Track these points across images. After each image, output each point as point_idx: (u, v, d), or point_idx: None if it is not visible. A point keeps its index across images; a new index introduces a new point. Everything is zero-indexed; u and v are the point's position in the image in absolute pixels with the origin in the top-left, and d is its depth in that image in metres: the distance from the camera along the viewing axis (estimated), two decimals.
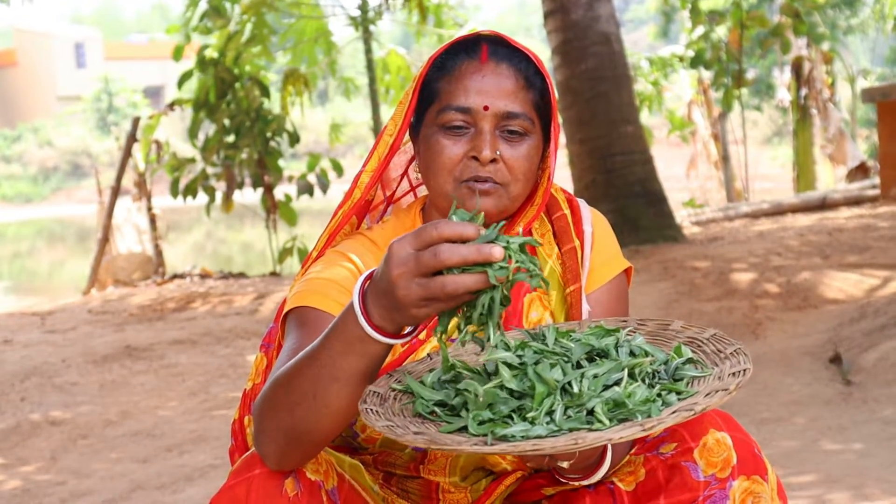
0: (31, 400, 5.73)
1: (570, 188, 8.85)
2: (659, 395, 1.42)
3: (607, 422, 1.37)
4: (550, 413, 1.40)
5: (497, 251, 1.37)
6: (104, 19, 69.39)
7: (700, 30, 14.78)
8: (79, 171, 40.40)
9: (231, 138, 10.93)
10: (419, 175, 1.90)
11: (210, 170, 10.98)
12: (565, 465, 1.56)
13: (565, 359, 1.47)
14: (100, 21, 66.35)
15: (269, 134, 10.92)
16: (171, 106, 11.27)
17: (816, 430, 4.38)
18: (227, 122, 10.82)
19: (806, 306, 6.60)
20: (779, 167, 30.71)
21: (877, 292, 6.71)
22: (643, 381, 1.45)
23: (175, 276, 11.06)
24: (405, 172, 1.99)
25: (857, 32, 25.11)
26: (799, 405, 4.75)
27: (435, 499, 1.82)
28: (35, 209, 37.64)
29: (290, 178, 11.08)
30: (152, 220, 11.70)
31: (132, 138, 11.39)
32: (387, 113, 14.35)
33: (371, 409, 1.47)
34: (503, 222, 1.46)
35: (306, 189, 10.88)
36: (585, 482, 1.68)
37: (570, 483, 1.70)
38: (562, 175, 12.90)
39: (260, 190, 11.08)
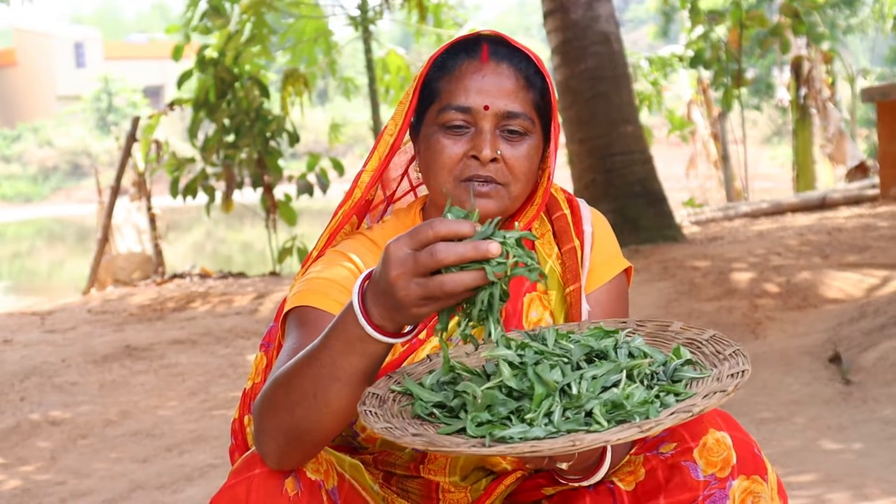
0: (30, 400, 5.73)
1: (569, 188, 8.85)
2: (657, 396, 1.42)
3: (605, 423, 1.37)
4: (549, 415, 1.40)
5: (494, 247, 1.37)
6: (104, 19, 69.39)
7: (699, 29, 14.79)
8: (78, 170, 40.40)
9: (231, 138, 10.93)
10: (419, 175, 1.90)
11: (210, 169, 10.99)
12: (564, 466, 1.56)
13: (565, 360, 1.47)
14: (100, 21, 66.36)
15: (268, 134, 10.92)
16: (171, 106, 11.27)
17: (816, 429, 4.39)
18: (226, 121, 10.82)
19: (805, 306, 6.60)
20: (778, 167, 30.71)
21: (876, 292, 6.71)
22: (642, 382, 1.45)
23: (175, 276, 11.06)
24: (405, 172, 1.99)
25: (856, 32, 25.12)
26: (799, 405, 4.76)
27: (435, 498, 1.82)
28: (35, 209, 37.65)
29: (290, 178, 11.08)
30: (152, 219, 11.70)
31: (132, 138, 11.40)
32: (386, 113, 14.35)
33: (370, 411, 1.47)
34: (499, 217, 1.46)
35: (306, 189, 10.88)
36: (585, 483, 1.68)
37: (570, 484, 1.70)
38: (561, 175, 12.90)
39: (260, 190, 11.08)
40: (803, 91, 16.56)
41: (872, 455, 3.97)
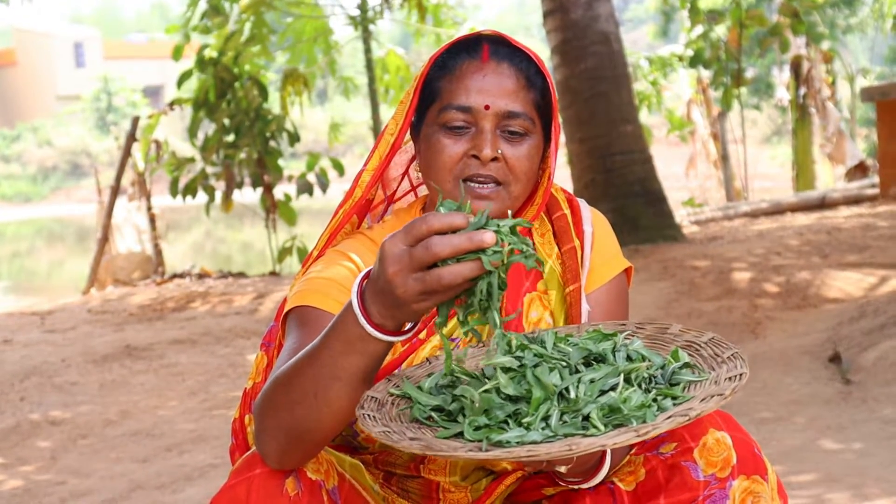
0: (30, 400, 5.73)
1: (569, 187, 8.85)
2: (655, 400, 1.42)
3: (602, 427, 1.38)
4: (546, 418, 1.40)
5: (489, 236, 1.37)
6: (104, 19, 69.38)
7: (699, 29, 14.79)
8: (78, 170, 40.39)
9: (230, 138, 10.93)
10: (419, 174, 1.90)
11: (209, 169, 10.99)
12: (563, 469, 1.56)
13: (563, 363, 1.47)
14: (99, 20, 66.35)
15: (268, 133, 10.92)
16: (171, 105, 11.28)
17: (816, 429, 4.39)
18: (226, 121, 10.82)
19: (805, 305, 6.60)
20: (778, 166, 30.71)
21: (876, 291, 6.71)
22: (639, 385, 1.45)
23: (175, 276, 11.06)
24: (406, 171, 1.99)
25: (855, 31, 25.11)
26: (798, 404, 4.76)
27: (435, 498, 1.82)
28: (34, 209, 37.64)
29: (290, 178, 11.08)
30: (152, 219, 11.70)
31: (131, 138, 11.40)
32: (386, 112, 14.35)
33: (368, 415, 1.47)
34: (490, 205, 1.46)
35: (306, 189, 10.89)
36: (585, 486, 1.68)
37: (570, 486, 1.70)
38: (561, 174, 12.90)
39: (259, 189, 11.08)
40: (803, 90, 16.57)
41: (872, 455, 3.97)
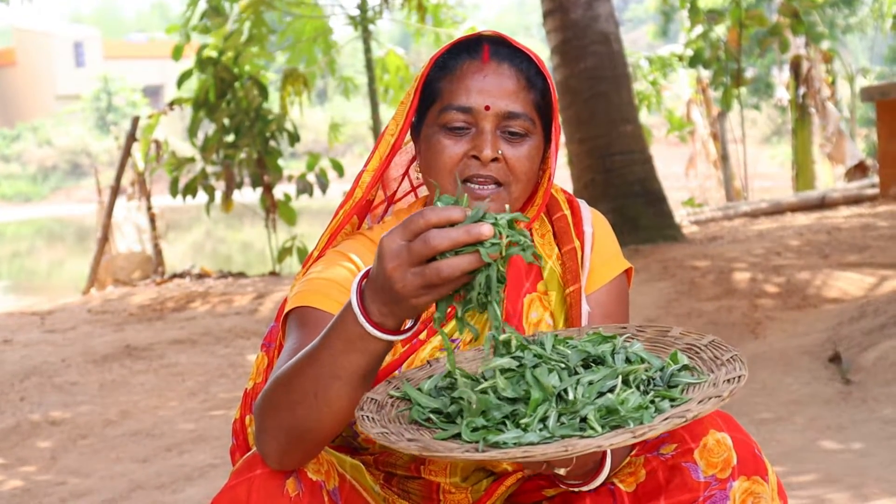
0: (30, 400, 5.73)
1: (569, 187, 8.85)
2: (652, 402, 1.42)
3: (599, 429, 1.38)
4: (544, 420, 1.41)
5: (486, 228, 1.38)
6: (103, 18, 69.38)
7: (699, 29, 14.79)
8: (78, 170, 40.39)
9: (230, 138, 10.94)
10: (420, 175, 1.90)
11: (209, 169, 10.99)
12: (562, 471, 1.56)
13: (562, 365, 1.48)
14: (99, 20, 66.35)
15: (268, 133, 10.92)
16: (171, 105, 11.28)
17: (816, 429, 4.39)
18: (226, 121, 10.82)
19: (805, 305, 6.60)
20: (778, 166, 30.71)
21: (876, 291, 6.71)
22: (638, 388, 1.45)
23: (174, 276, 11.06)
24: (406, 172, 1.99)
25: (855, 31, 25.11)
26: (798, 404, 4.76)
27: (436, 499, 1.82)
28: (34, 208, 37.63)
29: (290, 178, 11.09)
30: (152, 219, 11.70)
31: (131, 138, 11.40)
32: (386, 112, 14.35)
33: (367, 416, 1.48)
34: (488, 199, 1.47)
35: (305, 189, 10.89)
36: (585, 488, 1.68)
37: (571, 489, 1.70)
38: (561, 174, 12.90)
39: (259, 189, 11.08)
40: (802, 90, 16.57)
41: (872, 455, 3.97)
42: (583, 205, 1.92)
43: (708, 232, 10.27)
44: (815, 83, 16.54)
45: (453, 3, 12.94)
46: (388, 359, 1.76)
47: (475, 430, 1.42)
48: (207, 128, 11.30)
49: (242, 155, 10.87)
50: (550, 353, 1.50)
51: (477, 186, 1.76)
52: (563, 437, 1.38)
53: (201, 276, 10.96)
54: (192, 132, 10.95)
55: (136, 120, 11.67)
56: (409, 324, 1.49)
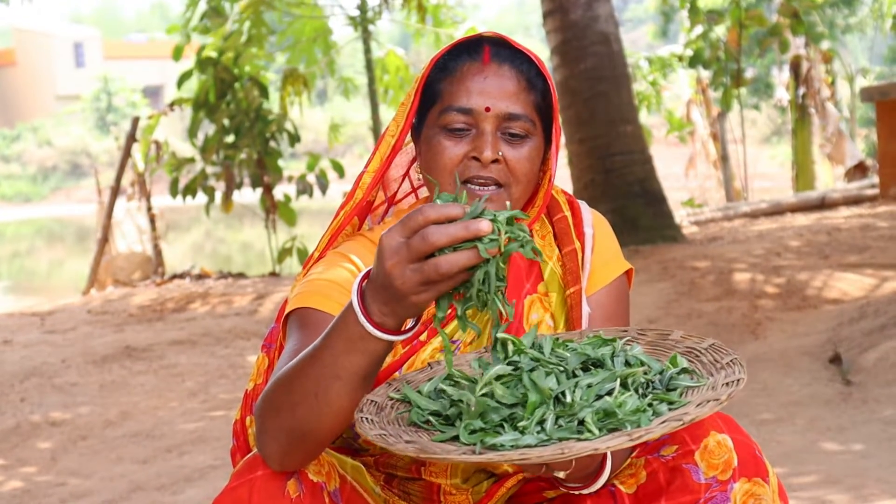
0: (30, 400, 5.73)
1: (569, 188, 8.86)
2: (650, 405, 1.42)
3: (597, 431, 1.38)
4: (541, 423, 1.41)
5: (484, 224, 1.38)
6: (103, 19, 69.38)
7: (699, 29, 14.79)
8: (78, 170, 40.39)
9: (230, 138, 10.94)
10: (420, 176, 1.90)
11: (209, 169, 11.00)
12: (561, 474, 1.56)
13: (560, 368, 1.48)
14: (99, 20, 66.35)
15: (268, 134, 10.93)
16: (171, 106, 11.28)
17: (816, 430, 4.38)
18: (226, 122, 10.83)
19: (805, 306, 6.60)
20: (778, 166, 30.72)
21: (876, 292, 6.71)
22: (636, 391, 1.46)
23: (174, 277, 11.06)
24: (407, 173, 1.99)
25: (855, 31, 25.11)
26: (799, 405, 4.75)
27: (436, 501, 1.82)
28: (34, 209, 37.63)
29: (290, 179, 11.09)
30: (152, 219, 11.70)
31: (131, 138, 11.40)
32: (385, 113, 14.35)
33: (366, 418, 1.48)
34: (487, 195, 1.47)
35: (305, 189, 10.89)
36: (586, 491, 1.68)
37: (571, 491, 1.70)
38: (561, 175, 12.90)
39: (259, 190, 11.08)
40: (802, 90, 16.57)
41: (873, 456, 3.97)
42: (583, 206, 1.92)
43: (708, 232, 10.27)
44: (814, 83, 16.54)
45: (453, 3, 12.94)
46: (388, 360, 1.76)
47: (473, 432, 1.42)
48: (207, 128, 11.31)
49: (242, 155, 10.87)
50: (549, 356, 1.50)
51: (477, 188, 1.76)
52: (560, 439, 1.38)
53: (201, 276, 10.96)
54: (192, 133, 10.95)
55: (136, 120, 11.68)
56: (410, 324, 1.50)
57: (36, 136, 41.82)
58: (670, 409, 1.41)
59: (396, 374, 1.77)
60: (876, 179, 12.99)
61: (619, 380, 1.46)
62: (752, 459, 1.66)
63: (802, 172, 16.45)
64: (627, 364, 1.50)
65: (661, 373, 1.49)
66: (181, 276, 11.08)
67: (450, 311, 1.48)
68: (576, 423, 1.40)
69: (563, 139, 9.62)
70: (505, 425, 1.42)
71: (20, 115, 44.84)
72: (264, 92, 10.96)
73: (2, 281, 18.83)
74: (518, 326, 1.82)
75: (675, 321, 6.46)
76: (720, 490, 1.65)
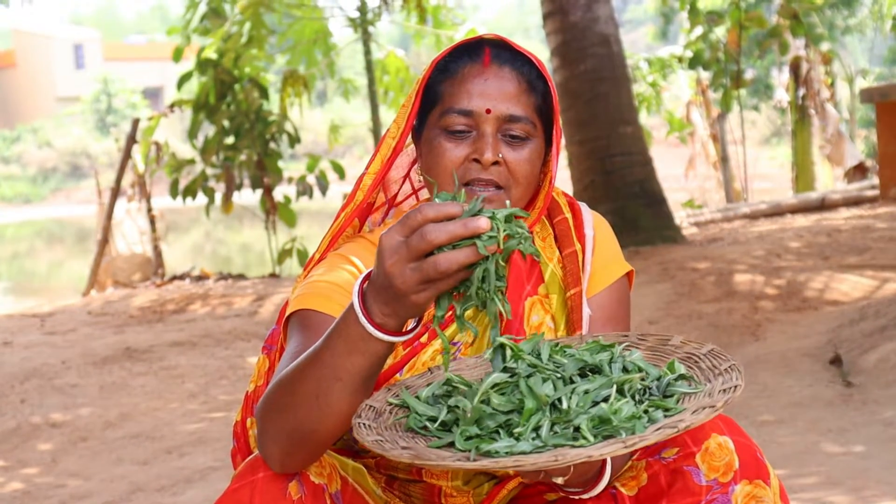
0: (31, 402, 5.73)
1: (569, 189, 8.86)
2: (646, 411, 1.43)
3: (592, 438, 1.38)
4: (537, 429, 1.41)
5: (483, 222, 1.38)
6: (103, 20, 69.37)
7: (698, 30, 14.79)
8: (78, 171, 40.38)
9: (230, 139, 10.95)
10: (421, 178, 1.90)
11: (209, 171, 11.00)
12: (560, 480, 1.56)
13: (557, 374, 1.48)
14: (99, 22, 66.34)
15: (268, 135, 10.93)
16: (171, 107, 11.29)
17: (817, 431, 4.38)
18: (226, 123, 10.83)
19: (805, 307, 6.60)
20: (777, 167, 30.72)
21: (876, 293, 6.71)
22: (633, 397, 1.46)
23: (174, 278, 11.07)
24: (407, 174, 1.99)
25: (855, 32, 25.11)
26: (799, 407, 4.75)
27: (437, 503, 1.82)
28: (34, 210, 37.63)
29: (290, 180, 11.09)
30: (152, 221, 11.70)
31: (132, 139, 11.41)
32: (385, 114, 14.35)
33: (364, 423, 1.49)
34: (485, 194, 1.47)
35: (305, 191, 10.90)
36: (586, 496, 1.68)
37: (572, 497, 1.70)
38: (561, 176, 12.89)
39: (259, 191, 11.09)
40: (802, 92, 16.57)
41: (873, 457, 3.96)
42: (584, 208, 1.92)
43: (708, 233, 10.27)
44: (814, 85, 16.54)
45: (453, 4, 12.95)
46: (388, 361, 1.76)
47: (469, 438, 1.43)
48: (207, 129, 11.31)
49: (242, 157, 10.88)
50: (546, 362, 1.50)
51: (478, 189, 1.76)
52: (555, 446, 1.38)
53: (201, 277, 10.96)
54: (192, 134, 10.95)
55: (136, 122, 11.69)
56: (411, 325, 1.50)
57: (36, 138, 41.81)
58: (666, 416, 1.41)
59: (397, 375, 1.77)
60: (876, 180, 12.99)
61: (615, 386, 1.46)
62: (754, 461, 1.66)
63: (802, 173, 16.46)
64: (625, 370, 1.50)
65: (658, 379, 1.49)
66: (181, 277, 11.08)
67: (450, 311, 1.48)
68: (571, 429, 1.40)
69: (563, 141, 9.65)
70: (501, 431, 1.42)
71: (20, 116, 44.84)
72: (264, 93, 10.97)
73: (2, 282, 18.83)
74: (518, 328, 1.81)
75: (675, 322, 6.46)
76: (721, 492, 1.64)
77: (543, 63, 1.82)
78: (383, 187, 1.98)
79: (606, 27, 9.12)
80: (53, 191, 40.74)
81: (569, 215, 1.90)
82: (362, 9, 12.09)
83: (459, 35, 11.64)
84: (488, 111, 1.76)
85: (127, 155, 11.46)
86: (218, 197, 10.99)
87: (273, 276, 10.94)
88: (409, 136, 1.89)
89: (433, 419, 1.50)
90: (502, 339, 1.50)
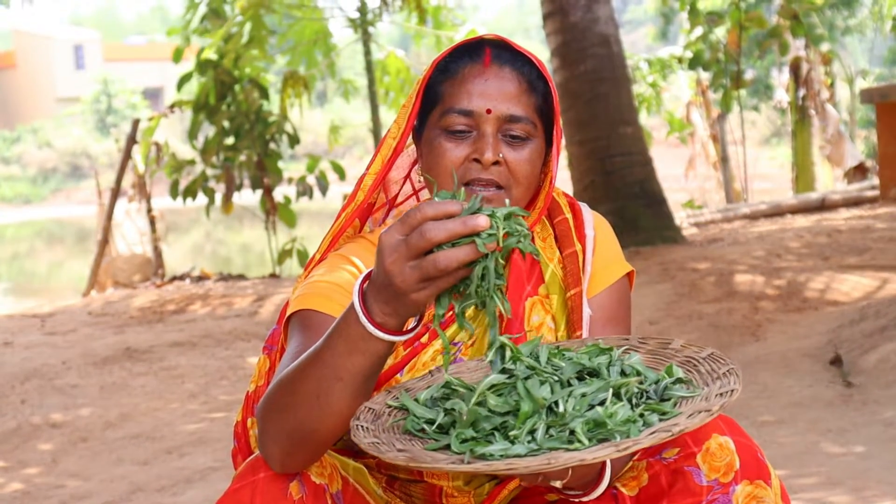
0: (31, 402, 5.73)
1: (569, 189, 8.86)
2: (641, 415, 1.43)
3: (587, 442, 1.38)
4: (532, 432, 1.41)
5: (482, 220, 1.39)
6: (103, 21, 69.38)
7: (699, 31, 14.80)
8: (78, 172, 40.38)
9: (230, 140, 10.95)
10: (422, 179, 1.90)
11: (209, 171, 11.01)
12: (558, 483, 1.56)
13: (555, 377, 1.48)
14: (99, 23, 66.34)
15: (268, 136, 10.93)
16: (171, 108, 11.30)
17: (817, 432, 4.38)
18: (226, 123, 10.83)
19: (806, 308, 6.60)
20: (777, 167, 30.72)
21: (877, 294, 6.71)
22: (629, 401, 1.46)
23: (174, 278, 11.07)
24: (408, 175, 1.99)
25: (855, 33, 25.11)
26: (799, 407, 4.75)
27: (438, 503, 1.82)
28: (34, 210, 37.63)
29: (290, 180, 11.10)
30: (152, 221, 11.71)
31: (132, 140, 11.41)
32: (386, 114, 14.36)
33: (361, 426, 1.49)
34: (484, 192, 1.47)
35: (305, 191, 10.90)
36: (586, 498, 1.68)
37: (572, 499, 1.70)
38: (561, 176, 12.88)
39: (259, 191, 11.09)
40: (802, 92, 16.57)
41: (874, 457, 3.96)
42: (585, 208, 1.92)
43: (708, 234, 10.27)
44: (814, 85, 16.54)
45: (453, 4, 12.95)
46: (389, 362, 1.77)
47: (464, 441, 1.43)
48: (207, 130, 11.32)
49: (242, 157, 10.88)
50: (545, 365, 1.50)
51: (479, 189, 1.76)
52: (549, 449, 1.38)
53: (201, 278, 10.96)
54: (192, 134, 10.96)
55: (136, 122, 11.69)
56: (411, 324, 1.50)
57: (36, 138, 41.81)
58: (661, 420, 1.41)
59: (398, 375, 1.77)
60: (876, 181, 12.99)
61: (611, 390, 1.46)
62: (754, 462, 1.66)
63: (802, 174, 16.45)
64: (623, 374, 1.50)
65: (656, 382, 1.50)
66: (181, 277, 11.08)
67: (450, 310, 1.48)
68: (567, 432, 1.40)
69: (563, 141, 9.65)
70: (497, 434, 1.42)
71: (20, 117, 44.85)
72: (264, 94, 10.97)
73: (2, 282, 18.82)
74: (519, 329, 1.81)
75: (675, 323, 6.46)
76: (722, 492, 1.64)
77: (544, 63, 1.82)
78: (384, 188, 1.98)
79: (606, 28, 9.12)
80: (53, 191, 40.74)
81: (569, 215, 1.90)
82: (362, 9, 12.09)
83: (459, 36, 11.65)
84: (489, 111, 1.76)
85: (127, 155, 11.46)
86: (218, 197, 10.99)
87: (273, 276, 10.94)
88: (410, 137, 1.89)
89: (431, 422, 1.50)
90: (502, 339, 1.50)
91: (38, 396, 5.82)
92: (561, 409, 1.42)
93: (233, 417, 5.12)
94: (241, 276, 11.05)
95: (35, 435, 5.22)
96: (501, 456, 1.38)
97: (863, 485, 3.62)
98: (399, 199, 2.00)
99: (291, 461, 1.59)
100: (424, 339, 1.79)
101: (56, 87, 46.59)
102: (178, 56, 11.07)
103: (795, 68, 16.55)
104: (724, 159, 16.42)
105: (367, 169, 1.88)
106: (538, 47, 34.40)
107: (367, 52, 12.14)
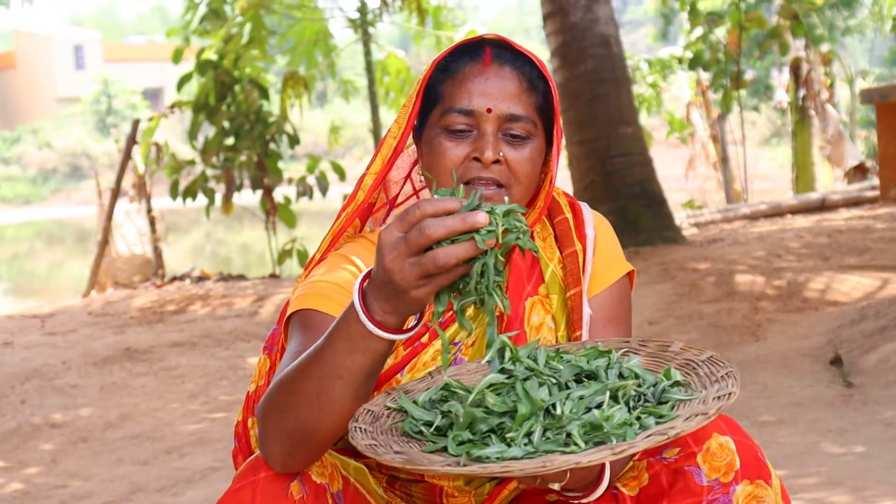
0: (31, 402, 5.73)
1: (569, 189, 8.86)
2: (638, 418, 1.43)
3: (583, 444, 1.38)
4: (529, 434, 1.41)
5: (481, 217, 1.39)
6: (103, 21, 69.38)
7: (699, 31, 14.80)
8: (78, 172, 40.38)
9: (230, 140, 10.95)
10: (422, 179, 1.90)
11: (209, 172, 11.01)
12: (556, 486, 1.56)
13: (553, 380, 1.48)
14: (99, 23, 66.34)
15: (268, 136, 10.94)
16: (171, 108, 11.30)
17: (817, 432, 4.38)
18: (226, 124, 10.83)
19: (806, 308, 6.60)
20: (777, 167, 30.72)
21: (877, 294, 6.71)
22: (627, 403, 1.46)
23: (174, 279, 11.07)
24: (408, 175, 1.99)
25: (855, 33, 25.11)
26: (799, 407, 4.75)
27: (439, 503, 1.82)
28: (34, 211, 37.63)
29: (290, 180, 11.10)
30: (152, 221, 11.71)
31: (132, 140, 11.41)
32: (386, 115, 14.36)
33: (359, 427, 1.49)
34: (482, 189, 1.47)
35: (305, 191, 10.90)
36: (585, 500, 1.68)
37: (571, 501, 1.70)
38: (561, 176, 12.88)
39: (259, 192, 11.09)
40: (802, 92, 16.56)
41: (874, 457, 3.96)
42: (585, 208, 1.92)
43: (708, 234, 10.27)
44: (814, 85, 16.54)
45: (453, 5, 12.96)
46: (389, 362, 1.77)
47: (461, 443, 1.43)
48: (207, 130, 11.32)
49: (242, 157, 10.88)
50: (543, 367, 1.50)
51: (479, 188, 1.76)
52: (546, 452, 1.38)
53: (201, 278, 10.96)
54: (192, 135, 10.96)
55: (136, 123, 11.70)
56: (412, 323, 1.50)
57: (36, 139, 41.81)
58: (658, 423, 1.41)
59: (398, 375, 1.77)
60: (876, 181, 12.99)
61: (609, 392, 1.46)
62: (755, 461, 1.66)
63: (802, 174, 16.45)
64: (622, 376, 1.50)
65: (654, 385, 1.50)
66: (181, 277, 11.09)
67: (449, 308, 1.48)
68: (564, 435, 1.40)
69: (563, 141, 9.65)
70: (493, 436, 1.42)
71: (20, 117, 44.85)
72: (264, 94, 10.97)
73: (2, 283, 18.83)
74: (519, 328, 1.81)
75: (675, 323, 6.46)
76: (723, 492, 1.64)
77: (544, 63, 1.82)
78: (384, 187, 1.98)
79: (606, 28, 9.12)
80: (53, 192, 40.74)
81: (569, 215, 1.90)
82: (362, 10, 12.09)
83: (459, 36, 11.65)
84: (489, 110, 1.76)
85: (127, 156, 11.46)
86: (218, 198, 10.99)
87: (273, 276, 10.94)
88: (410, 136, 1.89)
89: (429, 424, 1.50)
90: (501, 338, 1.50)
91: (39, 396, 5.82)
92: (558, 411, 1.42)
93: (233, 417, 5.12)
94: (241, 277, 11.06)
95: (35, 435, 5.22)
96: (497, 458, 1.38)
97: (863, 485, 3.62)
98: (399, 199, 2.00)
99: (292, 461, 1.59)
100: (424, 338, 1.79)
101: (56, 87, 46.60)
102: (177, 56, 11.08)
103: (795, 69, 16.55)
104: (724, 159, 16.42)
105: (368, 169, 1.88)
106: (538, 47, 34.40)
107: (367, 53, 12.14)
